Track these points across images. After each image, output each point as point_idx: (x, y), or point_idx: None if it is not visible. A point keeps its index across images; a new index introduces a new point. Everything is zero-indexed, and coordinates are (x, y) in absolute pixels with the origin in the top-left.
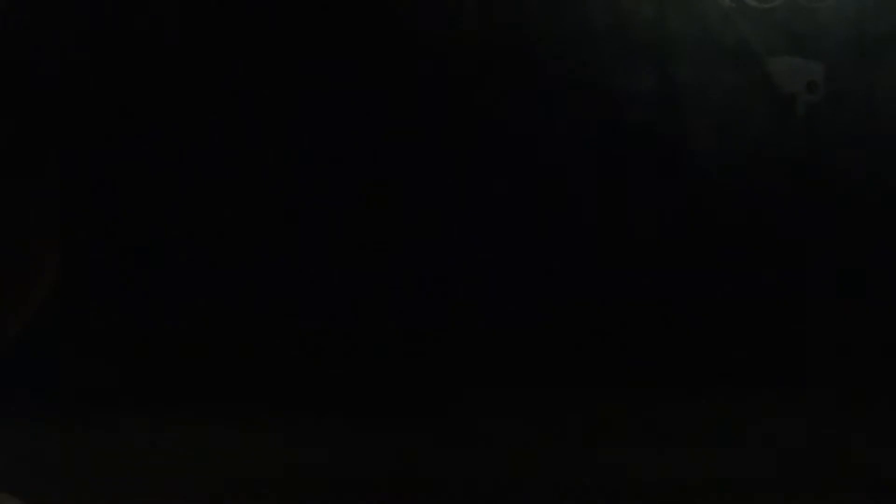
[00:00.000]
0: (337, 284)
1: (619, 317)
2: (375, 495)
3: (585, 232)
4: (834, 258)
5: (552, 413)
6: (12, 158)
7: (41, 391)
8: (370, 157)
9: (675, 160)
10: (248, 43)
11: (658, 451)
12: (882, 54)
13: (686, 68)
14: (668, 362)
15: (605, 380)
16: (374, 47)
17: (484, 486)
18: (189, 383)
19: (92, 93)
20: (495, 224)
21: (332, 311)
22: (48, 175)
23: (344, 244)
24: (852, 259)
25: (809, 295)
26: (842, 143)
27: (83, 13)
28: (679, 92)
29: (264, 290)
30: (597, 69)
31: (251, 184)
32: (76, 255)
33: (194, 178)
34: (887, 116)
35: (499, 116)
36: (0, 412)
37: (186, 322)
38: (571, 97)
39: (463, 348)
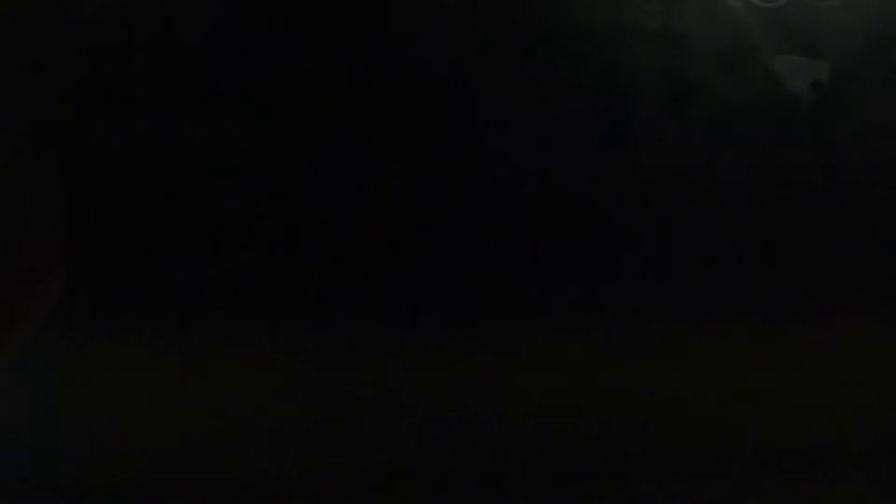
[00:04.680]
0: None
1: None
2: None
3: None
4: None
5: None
6: (16, 163)
7: None
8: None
9: (677, 161)
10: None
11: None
12: (888, 54)
13: (687, 67)
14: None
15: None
16: None
17: None
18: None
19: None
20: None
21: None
22: (52, 180)
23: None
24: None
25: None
26: (845, 143)
27: (84, 15)
28: (679, 91)
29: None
30: (594, 69)
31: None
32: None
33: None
34: (891, 117)
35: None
36: None
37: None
38: (576, 94)
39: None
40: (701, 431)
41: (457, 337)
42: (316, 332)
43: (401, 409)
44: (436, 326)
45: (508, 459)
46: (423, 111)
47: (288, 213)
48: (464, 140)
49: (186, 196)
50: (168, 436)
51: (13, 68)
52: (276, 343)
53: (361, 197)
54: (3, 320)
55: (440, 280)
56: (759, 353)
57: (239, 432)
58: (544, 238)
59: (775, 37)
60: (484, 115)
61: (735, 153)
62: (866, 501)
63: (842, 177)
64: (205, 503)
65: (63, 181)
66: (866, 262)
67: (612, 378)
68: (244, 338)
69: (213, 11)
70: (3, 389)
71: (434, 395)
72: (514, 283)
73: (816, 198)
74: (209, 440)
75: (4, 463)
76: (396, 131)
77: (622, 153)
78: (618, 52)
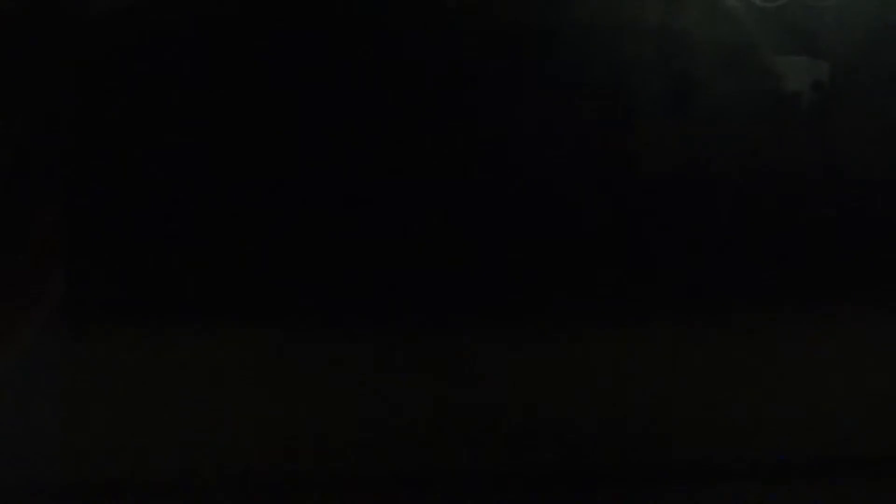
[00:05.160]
0: None
1: None
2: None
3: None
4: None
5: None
6: (15, 163)
7: None
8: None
9: (675, 161)
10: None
11: None
12: (889, 54)
13: (687, 67)
14: None
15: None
16: None
17: None
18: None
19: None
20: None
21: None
22: (51, 179)
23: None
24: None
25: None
26: (846, 143)
27: (84, 14)
28: (675, 91)
29: None
30: (589, 68)
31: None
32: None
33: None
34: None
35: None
36: None
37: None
38: (572, 94)
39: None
40: (701, 433)
41: (456, 336)
42: (316, 331)
43: (399, 408)
44: (435, 326)
45: (508, 460)
46: (423, 111)
47: (288, 214)
48: (464, 140)
49: (187, 196)
50: (169, 436)
51: (12, 67)
52: (276, 343)
53: (362, 197)
54: (3, 320)
55: (439, 280)
56: (760, 353)
57: (239, 432)
58: (545, 238)
59: (775, 37)
60: (483, 116)
61: (734, 153)
62: None
63: (842, 177)
64: (205, 503)
65: (63, 181)
66: (868, 261)
67: (611, 378)
68: (246, 337)
69: (214, 11)
70: (3, 389)
71: (433, 394)
72: (514, 283)
73: (816, 197)
74: (209, 440)
75: (4, 463)
76: (396, 131)
77: (619, 153)
78: (613, 52)
